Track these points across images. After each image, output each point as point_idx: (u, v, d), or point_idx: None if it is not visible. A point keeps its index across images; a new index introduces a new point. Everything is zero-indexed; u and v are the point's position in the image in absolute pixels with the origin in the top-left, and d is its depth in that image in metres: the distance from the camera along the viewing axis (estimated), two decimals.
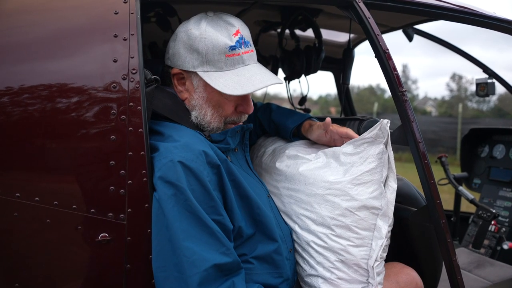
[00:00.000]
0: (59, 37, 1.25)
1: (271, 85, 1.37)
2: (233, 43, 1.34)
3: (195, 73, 1.37)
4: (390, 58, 1.53)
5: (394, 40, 3.27)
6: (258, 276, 1.36)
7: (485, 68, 3.07)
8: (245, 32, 1.39)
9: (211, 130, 1.42)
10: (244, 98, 1.42)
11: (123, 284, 1.20)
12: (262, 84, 1.34)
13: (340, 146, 1.55)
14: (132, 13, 1.26)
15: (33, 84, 1.18)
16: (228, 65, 1.35)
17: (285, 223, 1.54)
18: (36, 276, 1.20)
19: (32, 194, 1.16)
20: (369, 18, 1.55)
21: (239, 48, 1.35)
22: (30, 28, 1.24)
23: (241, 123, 1.48)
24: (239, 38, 1.36)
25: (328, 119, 1.54)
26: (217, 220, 1.22)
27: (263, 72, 1.38)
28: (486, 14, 1.94)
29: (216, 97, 1.39)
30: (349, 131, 1.54)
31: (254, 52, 1.43)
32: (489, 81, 3.03)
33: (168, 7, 1.48)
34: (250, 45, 1.40)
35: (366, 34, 1.56)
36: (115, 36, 1.23)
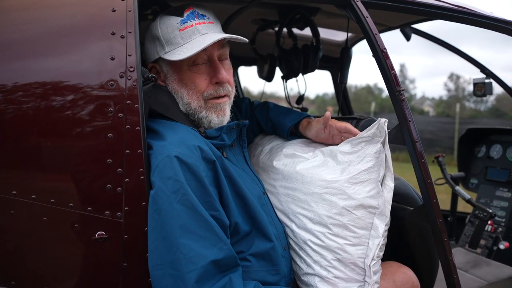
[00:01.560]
0: (56, 35, 1.25)
1: (222, 39, 1.36)
2: (183, 17, 1.38)
3: (161, 59, 1.41)
4: (388, 57, 1.53)
5: (392, 39, 3.27)
6: (255, 274, 1.36)
7: (482, 68, 3.07)
8: (200, 9, 1.42)
9: (194, 111, 1.41)
10: (212, 68, 1.41)
11: (120, 283, 1.20)
12: (210, 39, 1.33)
13: (338, 143, 1.56)
14: (130, 11, 1.26)
15: (30, 82, 1.18)
16: (184, 38, 1.37)
17: (279, 220, 1.54)
18: (33, 274, 1.19)
19: (28, 192, 1.15)
20: (367, 17, 1.55)
21: (192, 20, 1.38)
22: (26, 26, 1.24)
23: (223, 97, 1.44)
24: (190, 12, 1.39)
25: (328, 113, 1.54)
26: (214, 216, 1.22)
27: (219, 35, 1.37)
28: (483, 14, 1.95)
29: (185, 75, 1.40)
30: (348, 126, 1.54)
31: (214, 24, 1.43)
32: (487, 81, 3.04)
33: (165, 5, 1.48)
34: (207, 18, 1.41)
35: (363, 33, 1.57)
36: (113, 33, 1.23)
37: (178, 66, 1.39)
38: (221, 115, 1.44)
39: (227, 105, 1.46)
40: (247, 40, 1.42)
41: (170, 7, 1.46)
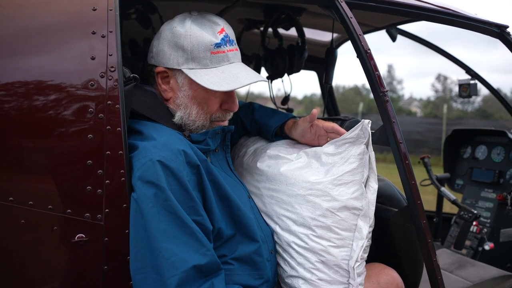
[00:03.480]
0: (35, 33, 1.22)
1: (256, 82, 1.37)
2: (218, 41, 1.34)
3: (180, 70, 1.36)
4: (372, 58, 1.53)
5: (379, 40, 3.29)
6: (238, 277, 1.35)
7: (467, 69, 3.10)
8: (230, 31, 1.40)
9: (196, 128, 1.40)
10: (229, 96, 1.42)
11: (100, 286, 1.18)
12: (247, 81, 1.34)
13: (323, 144, 1.55)
14: (111, 10, 1.24)
15: (7, 81, 1.16)
16: (213, 63, 1.35)
17: (266, 224, 1.54)
18: (11, 278, 1.17)
19: (6, 193, 1.13)
20: (351, 17, 1.55)
21: (224, 46, 1.35)
22: (4, 24, 1.21)
23: (226, 121, 1.47)
24: (224, 36, 1.36)
25: (314, 111, 1.54)
26: (196, 221, 1.20)
27: (248, 70, 1.39)
28: (467, 16, 1.96)
29: (201, 94, 1.38)
30: (336, 126, 1.54)
31: (239, 52, 1.43)
32: (472, 82, 3.06)
33: (148, 4, 1.46)
34: (235, 44, 1.41)
35: (348, 33, 1.57)
36: (93, 33, 1.21)
37: (196, 83, 1.35)
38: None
39: None
40: (267, 80, 1.43)
41: (153, 7, 1.44)
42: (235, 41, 1.42)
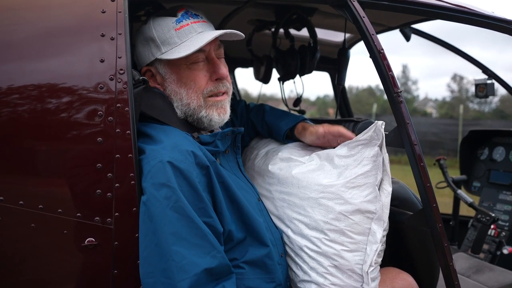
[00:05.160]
0: (44, 36, 1.22)
1: (221, 34, 1.35)
2: (178, 17, 1.38)
3: (157, 60, 1.39)
4: (385, 58, 1.50)
5: (393, 39, 3.24)
6: (249, 281, 1.33)
7: (484, 69, 3.03)
8: (193, 10, 1.42)
9: (194, 111, 1.40)
10: (212, 64, 1.41)
11: None
12: (211, 36, 1.33)
13: (335, 146, 1.53)
14: (120, 12, 1.24)
15: (17, 85, 1.16)
16: (181, 37, 1.36)
17: (276, 227, 1.52)
18: (21, 282, 1.17)
19: (16, 197, 1.13)
20: (364, 17, 1.53)
21: (187, 19, 1.38)
22: (14, 27, 1.21)
23: (222, 95, 1.43)
24: (184, 12, 1.39)
25: (321, 130, 1.55)
26: (207, 223, 1.19)
27: (217, 31, 1.37)
28: (484, 14, 1.92)
29: (183, 74, 1.39)
30: (341, 129, 1.53)
31: (208, 23, 1.43)
32: (489, 82, 3.00)
33: (158, 6, 1.46)
34: (201, 17, 1.42)
35: (360, 33, 1.54)
36: (102, 35, 1.21)
37: (176, 66, 1.38)
38: (222, 113, 1.43)
39: (227, 103, 1.46)
40: (243, 36, 1.41)
41: (163, 8, 1.44)
42: (202, 16, 1.43)
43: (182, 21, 1.37)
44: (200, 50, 1.34)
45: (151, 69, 1.43)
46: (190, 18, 1.38)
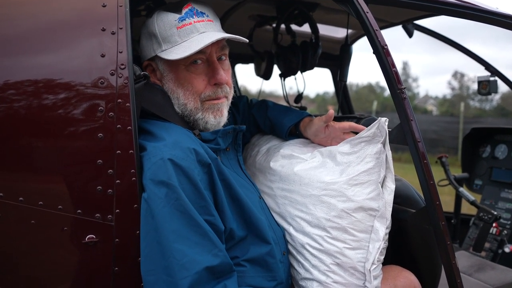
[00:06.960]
0: (44, 31, 1.21)
1: (220, 39, 1.32)
2: (182, 14, 1.34)
3: (158, 56, 1.37)
4: (389, 54, 1.49)
5: (393, 36, 3.21)
6: (251, 279, 1.33)
7: (487, 66, 3.02)
8: (200, 7, 1.38)
9: (190, 113, 1.37)
10: (211, 68, 1.37)
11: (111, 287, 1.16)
12: (209, 39, 1.29)
13: (335, 145, 1.52)
14: (121, 6, 1.23)
15: (16, 80, 1.14)
16: (182, 37, 1.33)
17: (278, 225, 1.51)
18: (21, 279, 1.16)
19: (16, 194, 1.12)
20: (367, 12, 1.51)
21: (190, 18, 1.34)
22: (13, 22, 1.20)
23: (221, 99, 1.40)
24: (189, 9, 1.35)
25: (331, 111, 1.51)
26: (208, 221, 1.19)
27: (218, 34, 1.33)
28: (488, 9, 1.90)
29: (181, 75, 1.36)
30: (352, 123, 1.51)
31: (214, 23, 1.39)
32: (491, 79, 2.98)
33: (158, 1, 1.45)
34: (206, 16, 1.38)
35: (364, 29, 1.52)
36: (103, 29, 1.20)
37: (174, 65, 1.35)
38: (218, 116, 1.40)
39: (224, 106, 1.43)
40: (247, 41, 1.39)
41: (168, 3, 1.42)
42: (208, 14, 1.39)
43: (185, 19, 1.34)
44: (200, 52, 1.31)
45: (152, 64, 1.42)
46: (194, 16, 1.35)
